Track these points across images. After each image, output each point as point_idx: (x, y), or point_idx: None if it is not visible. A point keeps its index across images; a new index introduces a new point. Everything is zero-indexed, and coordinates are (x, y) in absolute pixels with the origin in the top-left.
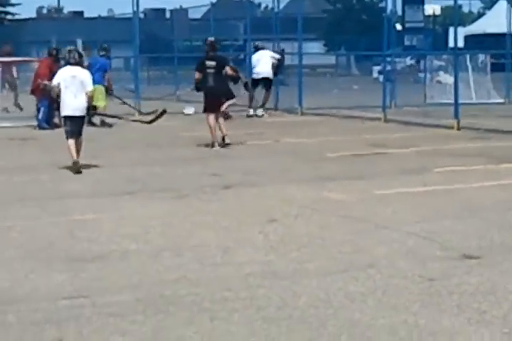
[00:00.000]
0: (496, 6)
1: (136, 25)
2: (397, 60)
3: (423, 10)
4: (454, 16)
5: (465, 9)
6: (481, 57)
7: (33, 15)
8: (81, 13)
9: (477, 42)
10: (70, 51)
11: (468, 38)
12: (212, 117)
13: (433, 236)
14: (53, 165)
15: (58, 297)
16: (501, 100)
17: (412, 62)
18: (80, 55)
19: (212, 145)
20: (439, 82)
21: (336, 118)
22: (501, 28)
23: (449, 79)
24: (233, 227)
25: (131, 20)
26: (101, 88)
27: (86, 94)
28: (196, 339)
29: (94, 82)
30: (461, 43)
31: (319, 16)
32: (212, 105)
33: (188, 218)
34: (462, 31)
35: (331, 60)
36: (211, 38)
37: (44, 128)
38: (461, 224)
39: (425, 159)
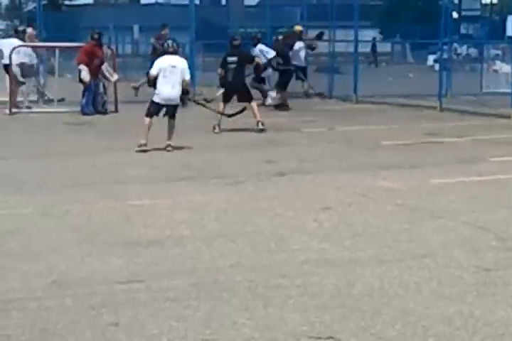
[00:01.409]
0: None
1: (192, 12)
2: (456, 47)
3: None
4: (510, 5)
5: None
6: None
7: (90, 1)
8: None
9: None
10: (167, 40)
11: None
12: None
13: (489, 227)
14: (109, 150)
15: (114, 281)
16: None
17: (470, 51)
18: (178, 44)
19: (214, 128)
20: (495, 71)
21: (391, 106)
22: None
23: (505, 68)
24: (288, 214)
25: (188, 6)
26: None
27: (183, 81)
28: (250, 326)
29: None
30: None
31: (375, 3)
32: (230, 98)
33: (243, 205)
34: None
35: (387, 47)
36: (235, 37)
37: (87, 114)
38: None
39: (481, 148)
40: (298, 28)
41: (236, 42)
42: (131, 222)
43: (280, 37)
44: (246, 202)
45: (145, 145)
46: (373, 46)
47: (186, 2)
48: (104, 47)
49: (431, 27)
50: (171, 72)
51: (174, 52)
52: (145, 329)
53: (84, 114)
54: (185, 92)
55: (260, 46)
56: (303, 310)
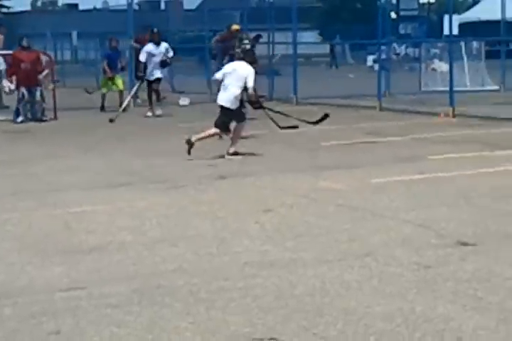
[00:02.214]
0: None
1: (131, 17)
2: (395, 47)
3: None
4: (449, 4)
5: None
6: (476, 44)
7: (28, 8)
8: (76, 5)
9: (472, 29)
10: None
11: (462, 26)
12: None
13: (429, 224)
14: (48, 157)
15: (55, 289)
16: (496, 87)
17: (408, 50)
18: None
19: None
20: (434, 69)
21: (332, 107)
22: (496, 14)
23: (443, 66)
24: (229, 217)
25: (126, 11)
26: None
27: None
28: (192, 330)
29: None
30: (455, 31)
31: (314, 6)
32: None
33: (184, 209)
34: (457, 19)
35: (326, 49)
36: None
37: (16, 122)
38: (457, 211)
39: (421, 147)
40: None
41: None
42: (71, 229)
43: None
44: (187, 206)
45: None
46: (332, 48)
47: (125, 7)
48: (40, 54)
49: (370, 28)
50: (229, 75)
51: (241, 58)
52: (86, 336)
53: (14, 122)
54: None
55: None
56: (245, 312)
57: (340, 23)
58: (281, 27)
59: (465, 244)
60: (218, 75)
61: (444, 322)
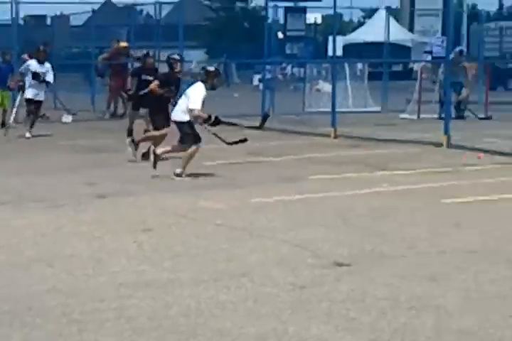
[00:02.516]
0: (376, 15)
1: (15, 32)
2: (278, 68)
3: (305, 18)
4: (333, 25)
5: (346, 18)
6: (360, 65)
7: None
8: None
9: (356, 50)
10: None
11: (347, 47)
12: None
13: (306, 244)
14: None
15: None
16: (378, 108)
17: (294, 70)
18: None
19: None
20: (318, 90)
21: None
22: (379, 36)
23: (327, 87)
24: (107, 237)
25: (10, 26)
26: None
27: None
28: None
29: None
30: (339, 52)
31: (201, 24)
32: None
33: (62, 228)
34: (341, 40)
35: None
36: None
37: None
38: (334, 231)
39: (301, 167)
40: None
41: None
42: None
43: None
44: (65, 226)
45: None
46: (224, 67)
47: (9, 22)
48: None
49: (257, 47)
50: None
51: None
52: None
53: None
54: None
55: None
56: (118, 334)
57: (228, 42)
58: (169, 45)
59: (340, 265)
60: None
61: None
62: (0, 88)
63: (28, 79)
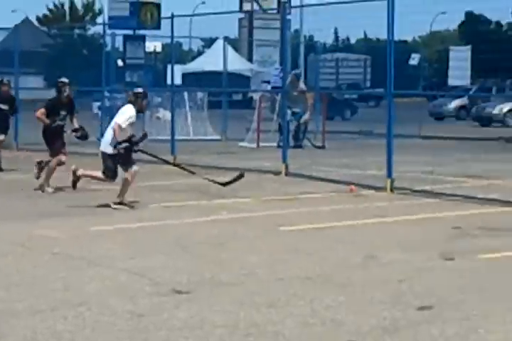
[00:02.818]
0: (215, 45)
1: None
2: (117, 95)
3: (144, 47)
4: (171, 54)
5: (185, 47)
6: (200, 94)
7: None
8: None
9: (196, 79)
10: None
11: (187, 76)
12: None
13: (144, 272)
14: None
15: None
16: (218, 137)
17: None
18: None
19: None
20: (158, 118)
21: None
22: (218, 66)
23: (167, 115)
24: None
25: None
26: None
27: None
28: None
29: None
30: (178, 80)
31: (40, 50)
32: None
33: None
34: (180, 68)
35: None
36: None
37: None
38: (173, 259)
39: (142, 195)
40: None
41: None
42: None
43: None
44: None
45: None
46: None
47: None
48: None
49: (96, 74)
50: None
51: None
52: None
53: None
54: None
55: None
56: None
57: (66, 69)
58: (4, 71)
59: (179, 292)
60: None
61: None
62: None
63: None
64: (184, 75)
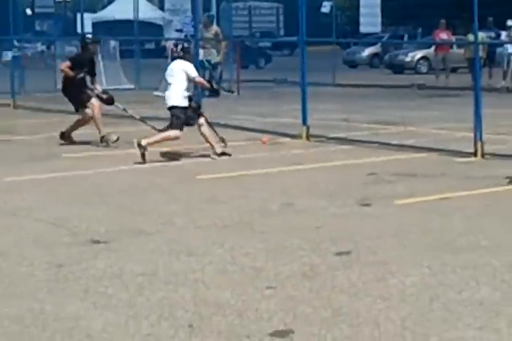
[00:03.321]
0: None
1: None
2: (27, 45)
3: None
4: (80, 2)
5: None
6: (112, 43)
7: None
8: None
9: (107, 28)
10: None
11: (97, 24)
12: None
13: (62, 223)
14: None
15: None
16: (132, 86)
17: (43, 47)
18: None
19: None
20: None
21: None
22: (130, 14)
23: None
24: None
25: None
26: None
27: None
28: None
29: None
30: (89, 29)
31: None
32: None
33: None
34: (90, 17)
35: None
36: None
37: None
38: (91, 209)
39: (54, 145)
40: None
41: None
42: None
43: None
44: None
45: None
46: None
47: None
48: None
49: (4, 23)
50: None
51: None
52: None
53: None
54: None
55: None
56: None
57: None
58: None
59: (97, 242)
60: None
61: (73, 320)
62: None
63: None
64: (95, 24)
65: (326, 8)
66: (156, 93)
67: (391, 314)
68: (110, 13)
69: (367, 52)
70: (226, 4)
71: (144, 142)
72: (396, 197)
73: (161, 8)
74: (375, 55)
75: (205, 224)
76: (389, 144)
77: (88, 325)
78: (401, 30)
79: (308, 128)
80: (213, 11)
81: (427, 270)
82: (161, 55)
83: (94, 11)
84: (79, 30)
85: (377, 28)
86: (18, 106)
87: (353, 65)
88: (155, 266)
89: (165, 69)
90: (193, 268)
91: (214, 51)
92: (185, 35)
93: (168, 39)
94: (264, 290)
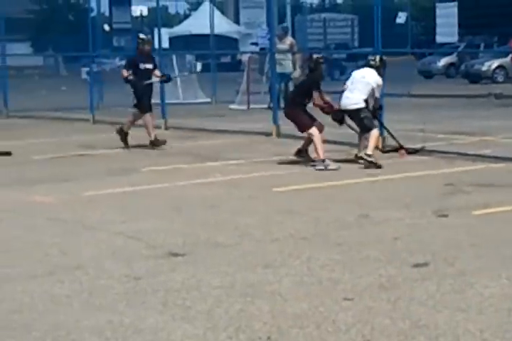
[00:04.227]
0: (201, 7)
1: None
2: (105, 60)
3: (130, 11)
4: (157, 18)
5: (172, 10)
6: (188, 57)
7: None
8: None
9: (184, 42)
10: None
11: (174, 39)
12: None
13: (140, 236)
14: None
15: None
16: (208, 99)
17: (121, 63)
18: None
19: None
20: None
21: (44, 120)
22: (205, 29)
23: (156, 79)
24: None
25: None
26: None
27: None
28: None
29: None
30: (166, 44)
31: (25, 17)
32: None
33: None
34: (167, 32)
35: (39, 61)
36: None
37: None
38: (168, 222)
39: (133, 159)
40: None
41: None
42: None
43: None
44: None
45: None
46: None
47: None
48: None
49: (83, 39)
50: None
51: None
52: None
53: None
54: None
55: None
56: None
57: (53, 35)
58: None
59: (175, 255)
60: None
61: (152, 332)
62: None
63: None
64: (171, 39)
65: (401, 18)
66: (232, 106)
67: (469, 326)
68: (186, 27)
69: (443, 62)
70: (301, 16)
71: (365, 153)
72: (473, 208)
73: (237, 21)
74: (450, 64)
75: (282, 236)
76: (466, 154)
77: (167, 337)
78: (477, 40)
79: (384, 139)
80: (288, 24)
81: (505, 281)
82: (236, 69)
83: (171, 26)
84: (156, 45)
85: (454, 38)
86: (97, 121)
87: (428, 75)
88: (232, 279)
89: (241, 83)
90: (270, 280)
91: (289, 63)
92: (261, 49)
93: (243, 52)
94: (341, 302)
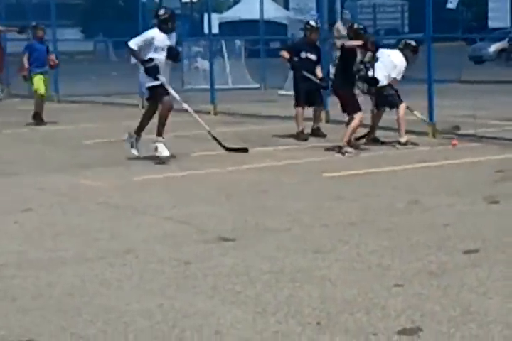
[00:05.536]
0: None
1: None
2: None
3: None
4: (207, 3)
5: None
6: (238, 43)
7: None
8: None
9: (233, 28)
10: None
11: (223, 25)
12: None
13: (189, 220)
14: None
15: None
16: (257, 85)
17: None
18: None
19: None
20: (196, 67)
21: (94, 105)
22: (255, 14)
23: (206, 65)
24: None
25: None
26: None
27: None
28: None
29: None
30: (216, 30)
31: (75, 2)
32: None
33: None
34: (217, 18)
35: (89, 46)
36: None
37: None
38: (217, 207)
39: (182, 144)
40: None
41: None
42: None
43: None
44: None
45: None
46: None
47: None
48: None
49: (133, 25)
50: None
51: None
52: None
53: None
54: None
55: None
56: (2, 315)
57: (103, 21)
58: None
59: (225, 240)
60: None
61: (202, 317)
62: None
63: None
64: (221, 24)
65: (452, 3)
66: (281, 92)
67: None
68: (236, 13)
69: (494, 47)
70: (351, 2)
71: (402, 139)
72: None
73: (286, 7)
74: (502, 50)
75: (331, 221)
76: None
77: (217, 322)
78: None
79: (434, 125)
80: (338, 9)
81: None
82: None
83: (221, 12)
84: (206, 30)
85: (507, 23)
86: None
87: (479, 60)
88: (282, 264)
89: (289, 69)
90: (319, 265)
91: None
92: None
93: (293, 38)
94: (391, 288)
